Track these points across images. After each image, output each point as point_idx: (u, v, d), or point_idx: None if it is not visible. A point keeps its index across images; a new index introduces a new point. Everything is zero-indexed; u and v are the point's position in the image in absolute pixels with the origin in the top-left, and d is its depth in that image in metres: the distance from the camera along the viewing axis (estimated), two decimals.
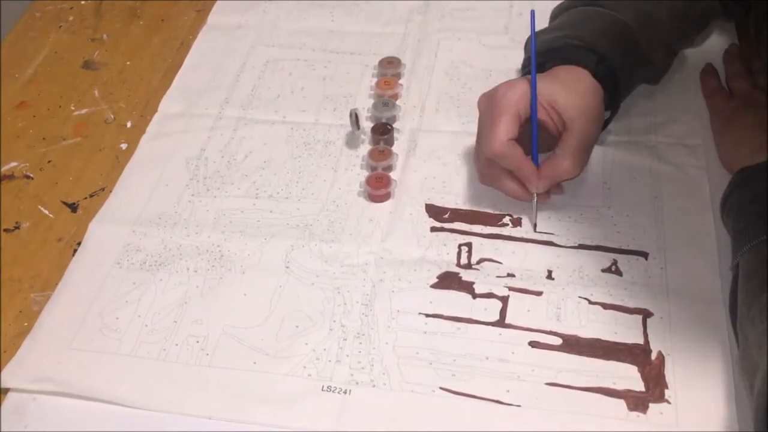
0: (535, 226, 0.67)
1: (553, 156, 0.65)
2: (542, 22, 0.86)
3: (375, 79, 0.82)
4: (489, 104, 0.67)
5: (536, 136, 0.66)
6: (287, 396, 0.57)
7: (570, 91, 0.65)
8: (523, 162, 0.65)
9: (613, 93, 0.68)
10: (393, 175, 0.72)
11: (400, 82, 0.81)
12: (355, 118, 0.74)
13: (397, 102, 0.79)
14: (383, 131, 0.75)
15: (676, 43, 0.73)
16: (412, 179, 0.72)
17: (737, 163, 0.64)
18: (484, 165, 0.68)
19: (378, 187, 0.70)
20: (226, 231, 0.69)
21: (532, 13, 0.67)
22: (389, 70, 0.82)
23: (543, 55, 0.68)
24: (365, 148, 0.75)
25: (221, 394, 0.58)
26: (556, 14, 0.75)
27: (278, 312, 0.63)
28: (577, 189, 0.69)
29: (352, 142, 0.76)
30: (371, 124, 0.76)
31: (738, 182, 0.61)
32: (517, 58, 0.83)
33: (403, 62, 0.83)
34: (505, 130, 0.64)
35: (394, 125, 0.76)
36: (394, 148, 0.74)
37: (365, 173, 0.73)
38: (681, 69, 0.79)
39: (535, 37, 0.68)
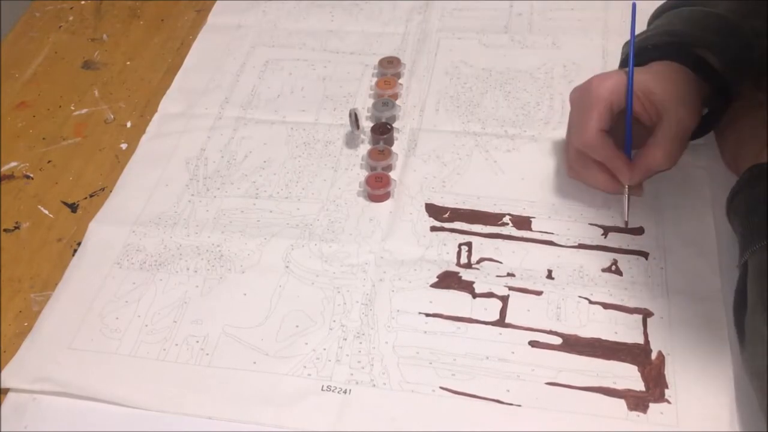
0: (626, 223, 0.66)
1: (646, 146, 0.64)
2: (541, 22, 0.87)
3: (375, 79, 0.82)
4: (581, 96, 0.65)
5: (630, 126, 0.64)
6: (287, 396, 0.57)
7: (664, 80, 0.63)
8: (615, 153, 0.64)
9: (718, 86, 0.65)
10: (393, 174, 0.72)
11: (400, 81, 0.81)
12: (354, 118, 0.74)
13: (397, 102, 0.79)
14: (383, 131, 0.75)
15: None
16: (412, 179, 0.72)
17: (740, 163, 0.63)
18: (574, 157, 0.67)
19: (378, 186, 0.70)
20: (226, 231, 0.69)
21: (634, 6, 0.66)
22: (389, 69, 0.82)
23: (637, 56, 0.66)
24: (365, 147, 0.75)
25: (221, 394, 0.58)
26: (652, 20, 0.73)
27: (278, 312, 0.63)
28: (578, 189, 0.69)
29: (351, 141, 0.76)
30: (371, 124, 0.76)
31: (747, 180, 0.60)
32: (517, 57, 0.83)
33: (403, 62, 0.83)
34: (597, 120, 0.63)
35: (394, 125, 0.76)
36: (394, 148, 0.74)
37: (365, 173, 0.73)
38: None
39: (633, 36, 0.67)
